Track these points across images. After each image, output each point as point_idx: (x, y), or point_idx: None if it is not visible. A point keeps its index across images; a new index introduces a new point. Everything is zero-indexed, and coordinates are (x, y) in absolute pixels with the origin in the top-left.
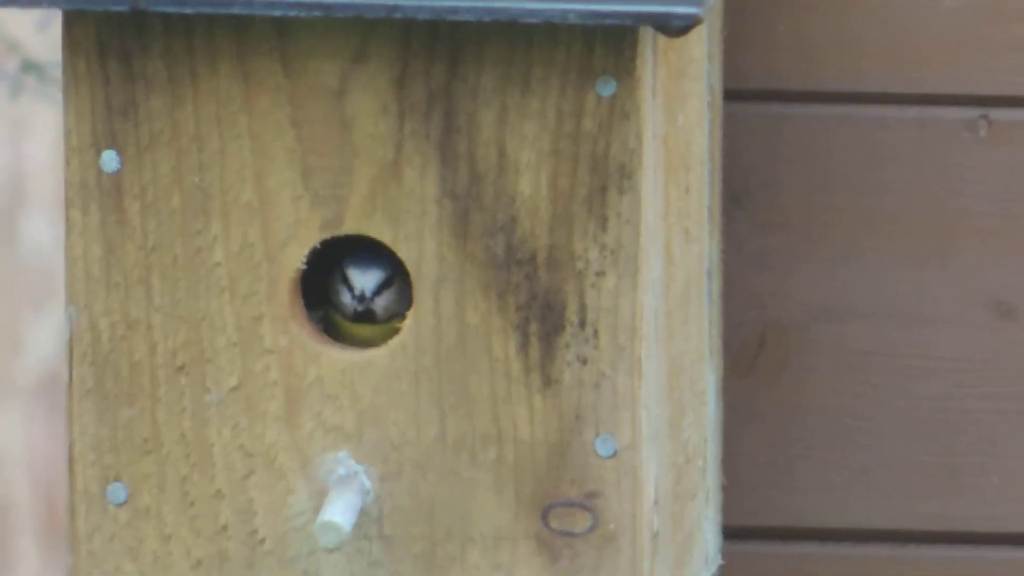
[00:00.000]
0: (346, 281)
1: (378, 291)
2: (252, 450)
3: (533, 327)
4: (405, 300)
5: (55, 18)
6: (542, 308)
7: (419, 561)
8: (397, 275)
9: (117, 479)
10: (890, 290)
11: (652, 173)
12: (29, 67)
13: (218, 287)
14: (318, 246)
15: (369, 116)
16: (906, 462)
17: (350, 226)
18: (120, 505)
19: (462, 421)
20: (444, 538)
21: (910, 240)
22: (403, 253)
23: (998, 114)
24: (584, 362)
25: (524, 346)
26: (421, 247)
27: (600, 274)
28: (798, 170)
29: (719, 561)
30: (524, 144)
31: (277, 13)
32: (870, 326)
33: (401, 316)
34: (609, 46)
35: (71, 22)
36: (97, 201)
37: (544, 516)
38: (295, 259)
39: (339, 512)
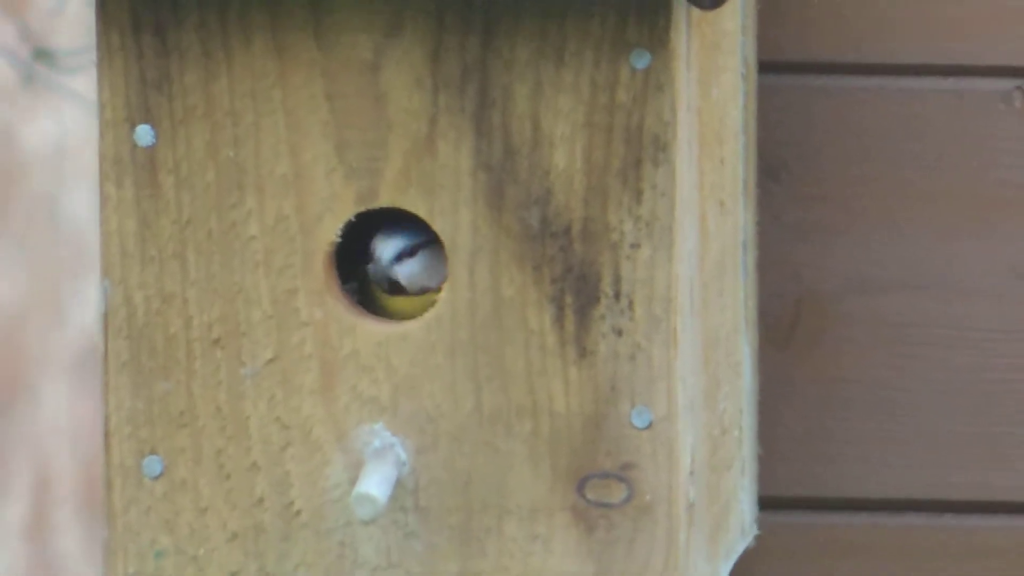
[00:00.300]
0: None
1: (398, 258)
2: (288, 423)
3: (568, 299)
4: (439, 274)
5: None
6: (577, 280)
7: (455, 533)
8: (427, 246)
9: (153, 452)
10: (926, 261)
11: (686, 145)
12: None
13: (253, 261)
14: (353, 219)
15: (403, 90)
16: (941, 432)
17: (385, 199)
18: (156, 478)
19: (497, 393)
20: (480, 510)
21: (945, 212)
22: (438, 226)
23: None
24: (619, 334)
25: (559, 318)
26: (456, 220)
27: (635, 246)
28: (833, 142)
29: (755, 531)
30: (558, 117)
31: None
32: (905, 297)
33: (439, 290)
34: (643, 19)
35: None
36: (131, 175)
37: (580, 488)
38: (330, 232)
39: (375, 484)
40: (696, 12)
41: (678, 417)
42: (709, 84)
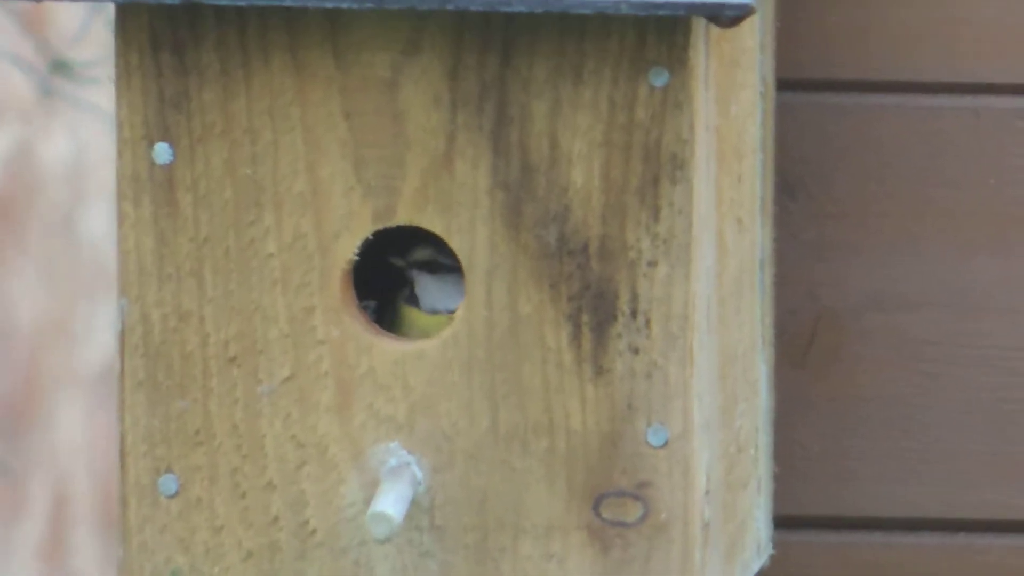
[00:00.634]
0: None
1: (426, 266)
2: (304, 441)
3: (585, 317)
4: (453, 299)
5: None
6: (594, 298)
7: (470, 552)
8: (451, 271)
9: (169, 471)
10: (944, 279)
11: (704, 163)
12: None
13: (270, 278)
14: (370, 237)
15: (421, 108)
16: (958, 451)
17: (402, 217)
18: (171, 496)
19: (514, 411)
20: (496, 528)
21: (964, 229)
22: (455, 244)
23: None
24: (636, 352)
25: (576, 336)
26: (473, 238)
27: (652, 264)
28: (852, 160)
29: (771, 550)
30: (576, 135)
31: (329, 5)
32: (923, 315)
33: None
34: (662, 37)
35: (124, 14)
36: (149, 193)
37: (596, 506)
38: (347, 250)
39: (390, 503)
40: (715, 30)
41: (694, 435)
42: (727, 102)
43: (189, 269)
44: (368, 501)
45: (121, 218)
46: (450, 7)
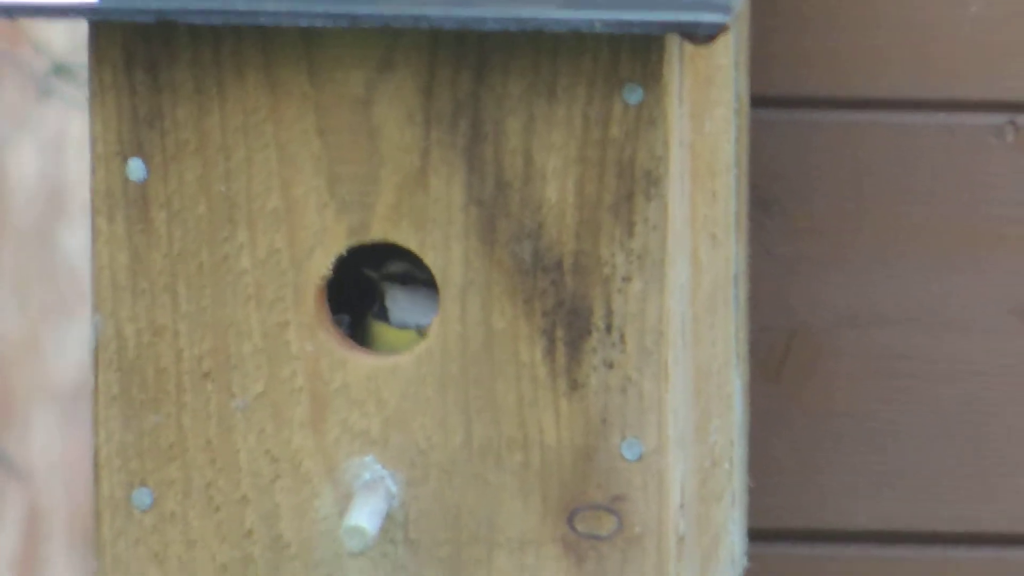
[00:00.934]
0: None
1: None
2: (278, 455)
3: (559, 332)
4: (424, 314)
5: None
6: (568, 313)
7: (444, 565)
8: (425, 285)
9: (143, 484)
10: (917, 295)
11: (679, 179)
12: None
13: (244, 294)
14: (344, 253)
15: (395, 125)
16: (932, 465)
17: (376, 233)
18: (145, 510)
19: (488, 426)
20: (470, 542)
21: (937, 246)
22: (429, 260)
23: None
24: (610, 367)
25: (550, 351)
26: (448, 254)
27: (627, 279)
28: (826, 176)
29: (745, 563)
30: (551, 151)
31: (304, 23)
32: (897, 331)
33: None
34: (636, 54)
35: (98, 32)
36: (123, 210)
37: (570, 520)
38: (321, 266)
39: (365, 517)
40: (689, 47)
41: (668, 449)
42: (702, 118)
43: (163, 285)
44: (342, 515)
45: (95, 234)
46: (424, 25)
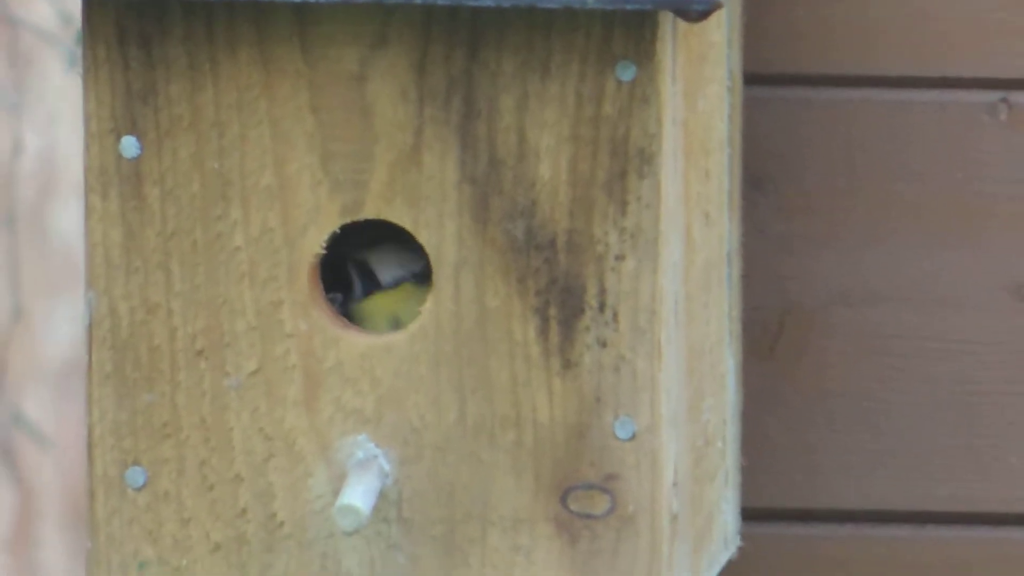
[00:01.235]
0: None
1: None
2: (271, 434)
3: (552, 311)
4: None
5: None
6: (562, 292)
7: (438, 544)
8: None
9: (136, 463)
10: (910, 273)
11: (672, 157)
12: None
13: (238, 272)
14: (338, 231)
15: (389, 102)
16: (926, 444)
17: (370, 211)
18: (139, 489)
19: (482, 404)
20: (463, 521)
21: (931, 224)
22: (423, 238)
23: (1018, 97)
24: (604, 345)
25: (544, 330)
26: (441, 232)
27: (620, 258)
28: (819, 154)
29: (738, 543)
30: (544, 129)
31: None
32: (890, 309)
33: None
34: (629, 31)
35: (91, 7)
36: (117, 187)
37: (563, 499)
38: (315, 244)
39: (358, 496)
40: (682, 24)
41: (662, 428)
42: (695, 96)
43: (156, 262)
44: (336, 494)
45: (89, 211)
46: (417, 1)
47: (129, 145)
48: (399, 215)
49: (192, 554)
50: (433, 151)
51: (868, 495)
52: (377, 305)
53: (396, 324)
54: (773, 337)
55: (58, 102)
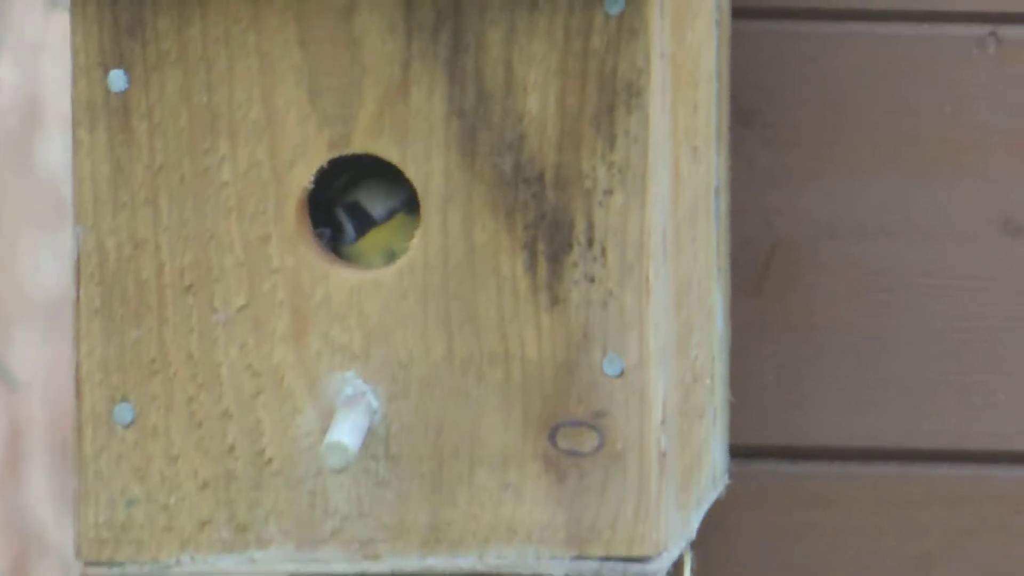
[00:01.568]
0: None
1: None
2: (259, 370)
3: (541, 246)
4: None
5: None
6: (550, 227)
7: (426, 481)
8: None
9: (124, 399)
10: (899, 208)
11: (660, 91)
12: None
13: (225, 207)
14: (325, 166)
15: (377, 35)
16: (914, 380)
17: (358, 146)
18: (127, 426)
19: (469, 340)
20: (451, 458)
21: (919, 158)
22: (411, 172)
23: (1007, 31)
24: (592, 281)
25: (532, 265)
26: (429, 166)
27: (608, 192)
28: (807, 88)
29: (726, 480)
30: (532, 63)
31: None
32: (879, 244)
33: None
34: None
35: None
36: (104, 121)
37: (551, 435)
38: (303, 179)
39: (346, 433)
40: None
41: (650, 365)
42: (683, 30)
43: (144, 197)
44: (324, 430)
45: (76, 145)
46: None
47: (117, 78)
48: (387, 149)
49: (180, 491)
50: (421, 85)
51: (856, 432)
52: (371, 242)
53: (391, 257)
54: (761, 272)
55: (42, 36)
